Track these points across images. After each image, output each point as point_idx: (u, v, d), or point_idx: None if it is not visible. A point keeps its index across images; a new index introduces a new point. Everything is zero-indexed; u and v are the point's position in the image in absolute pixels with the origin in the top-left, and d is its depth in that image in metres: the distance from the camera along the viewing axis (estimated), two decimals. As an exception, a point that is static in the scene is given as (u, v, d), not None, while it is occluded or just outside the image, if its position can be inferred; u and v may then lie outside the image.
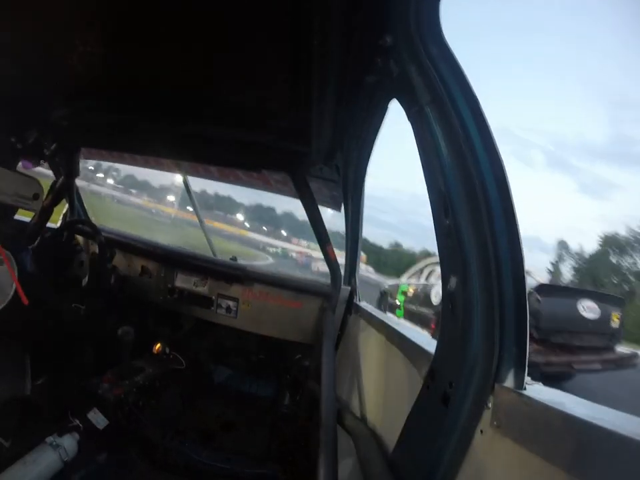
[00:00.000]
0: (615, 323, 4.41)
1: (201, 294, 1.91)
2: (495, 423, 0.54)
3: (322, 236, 1.67)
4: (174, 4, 0.79)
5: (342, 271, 1.82)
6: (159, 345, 1.89)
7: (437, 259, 4.78)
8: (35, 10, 0.86)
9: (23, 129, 1.13)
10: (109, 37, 0.93)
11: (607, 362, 4.19)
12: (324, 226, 1.66)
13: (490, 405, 0.56)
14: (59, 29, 0.92)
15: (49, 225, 1.86)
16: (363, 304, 1.68)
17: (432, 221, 0.71)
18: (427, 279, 6.12)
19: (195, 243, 3.47)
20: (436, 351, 0.73)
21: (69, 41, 0.94)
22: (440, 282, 0.71)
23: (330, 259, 1.73)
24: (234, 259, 2.27)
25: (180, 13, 0.81)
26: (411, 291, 6.47)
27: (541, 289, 4.08)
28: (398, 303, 6.80)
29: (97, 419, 1.33)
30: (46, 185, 1.52)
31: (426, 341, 0.90)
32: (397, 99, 0.78)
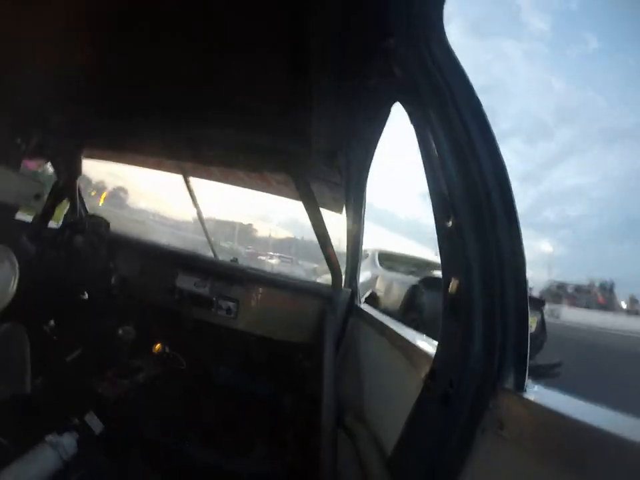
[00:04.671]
0: (532, 328, 3.44)
1: (202, 295, 1.91)
2: (495, 423, 0.54)
3: (323, 238, 1.67)
4: (174, 5, 0.79)
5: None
6: (159, 345, 1.88)
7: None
8: (35, 13, 0.86)
9: (27, 130, 1.13)
10: (109, 39, 0.94)
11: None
12: (325, 228, 1.66)
13: (491, 406, 0.56)
14: (60, 31, 0.92)
15: (51, 224, 1.87)
16: (364, 306, 1.68)
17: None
18: None
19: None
20: (436, 352, 0.73)
21: (71, 43, 0.95)
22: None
23: (331, 261, 1.73)
24: (235, 260, 2.28)
25: (180, 14, 0.82)
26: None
27: (426, 281, 3.41)
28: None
29: (93, 422, 1.31)
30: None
31: (427, 343, 0.91)
32: (400, 102, 0.79)
